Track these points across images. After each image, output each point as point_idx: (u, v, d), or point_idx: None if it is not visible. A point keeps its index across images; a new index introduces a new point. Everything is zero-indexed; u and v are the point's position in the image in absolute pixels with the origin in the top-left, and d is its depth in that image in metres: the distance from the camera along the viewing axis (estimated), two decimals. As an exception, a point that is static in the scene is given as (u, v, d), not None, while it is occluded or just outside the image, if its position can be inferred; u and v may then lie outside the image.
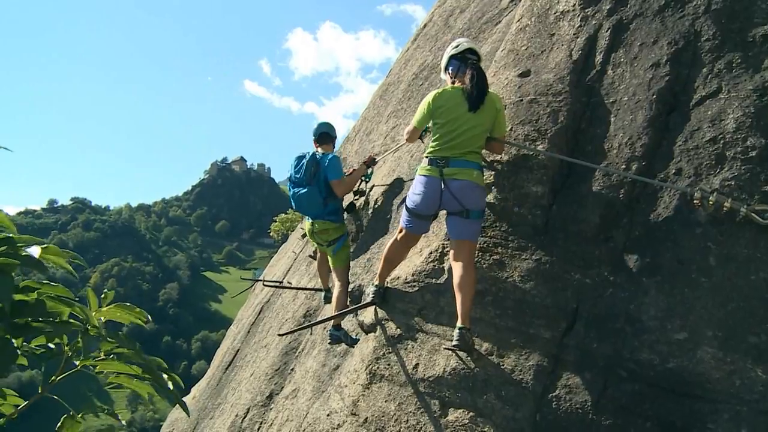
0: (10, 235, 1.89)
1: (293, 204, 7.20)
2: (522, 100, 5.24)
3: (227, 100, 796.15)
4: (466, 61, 5.15)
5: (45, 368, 2.03)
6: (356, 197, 8.13)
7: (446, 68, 5.34)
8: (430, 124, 5.14)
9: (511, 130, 5.14)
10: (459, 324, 4.49)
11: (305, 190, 6.93)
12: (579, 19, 5.40)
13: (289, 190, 7.15)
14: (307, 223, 7.33)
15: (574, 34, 5.37)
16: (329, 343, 6.56)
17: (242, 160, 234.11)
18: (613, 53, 5.14)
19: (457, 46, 5.28)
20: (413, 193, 5.04)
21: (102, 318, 2.10)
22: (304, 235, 10.29)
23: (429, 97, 5.10)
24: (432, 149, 4.99)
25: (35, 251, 1.90)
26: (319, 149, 7.31)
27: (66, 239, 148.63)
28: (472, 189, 4.81)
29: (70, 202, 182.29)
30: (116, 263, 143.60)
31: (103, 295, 2.17)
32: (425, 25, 11.42)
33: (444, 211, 5.03)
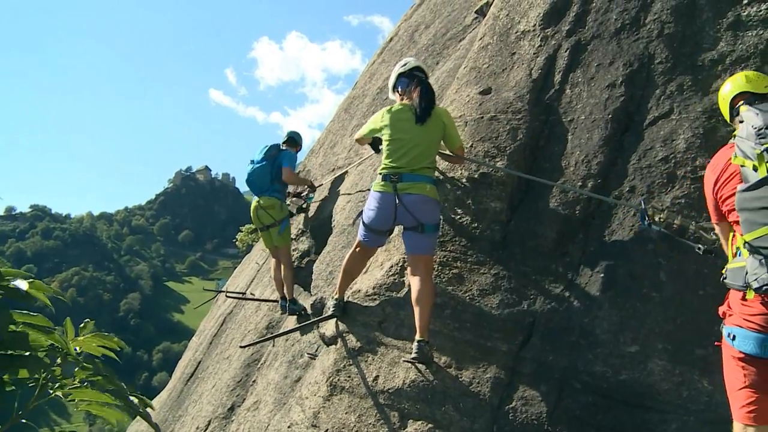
0: None
1: (246, 179, 8.27)
2: (483, 117, 5.36)
3: (192, 109, 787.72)
4: (414, 78, 5.28)
5: (19, 395, 2.04)
6: (297, 213, 9.08)
7: (395, 87, 5.45)
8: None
9: (471, 146, 5.25)
10: (418, 337, 4.56)
11: (261, 164, 8.08)
12: (539, 39, 5.54)
13: (248, 167, 8.27)
14: (254, 203, 8.16)
15: (534, 54, 5.50)
16: (288, 314, 7.14)
17: (207, 169, 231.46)
18: (571, 73, 5.28)
19: (404, 65, 5.40)
20: (368, 209, 5.12)
21: (78, 348, 2.14)
22: (253, 231, 10.93)
23: (379, 113, 5.29)
24: (384, 165, 5.08)
25: (23, 285, 1.94)
26: (284, 147, 8.48)
27: (24, 248, 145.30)
28: (425, 203, 4.87)
29: (29, 210, 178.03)
30: (76, 272, 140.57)
31: (82, 325, 2.21)
32: (391, 39, 11.55)
33: (401, 226, 5.11)
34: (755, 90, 3.64)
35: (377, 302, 5.15)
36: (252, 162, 8.22)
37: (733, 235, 3.43)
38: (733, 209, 3.28)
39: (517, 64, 5.56)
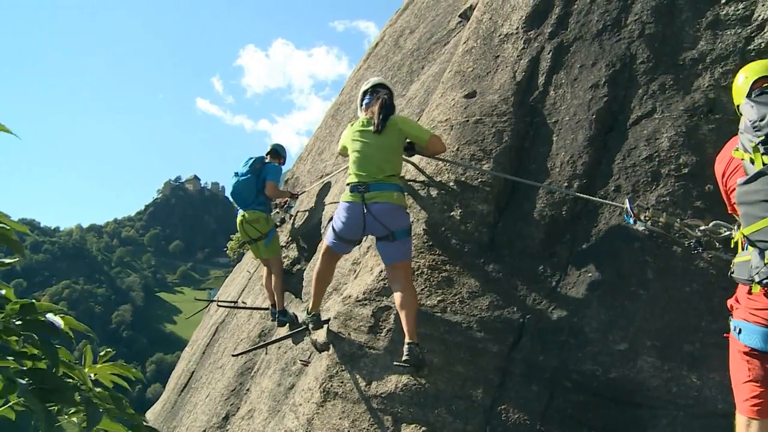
0: (33, 300, 1.97)
1: (231, 191, 8.29)
2: (468, 120, 5.39)
3: (179, 118, 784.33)
4: (375, 93, 5.52)
5: (35, 422, 2.07)
6: (279, 225, 9.26)
7: (361, 104, 5.68)
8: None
9: (457, 150, 5.28)
10: (407, 340, 4.60)
11: (245, 177, 8.10)
12: (522, 41, 5.58)
13: (232, 180, 8.25)
14: (239, 217, 8.21)
15: (517, 56, 5.54)
16: (277, 325, 7.34)
17: (196, 178, 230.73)
18: (554, 75, 5.32)
19: (368, 83, 5.69)
20: (338, 218, 5.25)
21: (93, 375, 2.17)
22: (242, 244, 11.16)
23: (346, 128, 5.56)
24: (351, 176, 5.24)
25: (59, 322, 1.99)
26: (268, 159, 8.57)
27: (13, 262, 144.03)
28: (393, 210, 5.01)
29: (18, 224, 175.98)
30: (67, 285, 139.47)
31: (102, 353, 2.24)
32: (377, 45, 11.59)
33: (373, 237, 5.25)
34: None
35: (368, 307, 5.17)
36: (236, 174, 8.26)
37: (739, 228, 3.38)
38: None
39: (501, 67, 5.59)
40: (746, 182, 3.06)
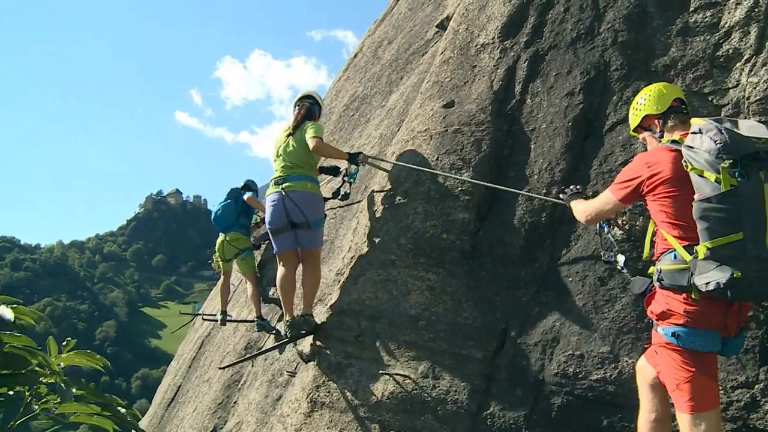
0: None
1: (213, 218, 8.93)
2: (447, 130, 5.46)
3: (159, 133, 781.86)
4: (301, 102, 6.44)
5: (4, 414, 2.08)
6: (257, 248, 9.60)
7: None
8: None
9: (437, 159, 5.34)
10: (304, 312, 5.50)
11: (226, 203, 8.77)
12: (498, 51, 5.66)
13: (213, 211, 8.99)
14: (219, 240, 8.83)
15: (494, 66, 5.62)
16: (257, 331, 7.83)
17: (178, 192, 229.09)
18: (531, 83, 5.40)
19: (299, 93, 6.64)
20: (266, 213, 6.05)
21: (61, 364, 2.20)
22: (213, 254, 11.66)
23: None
24: (275, 172, 6.08)
25: (8, 313, 2.01)
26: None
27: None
28: (309, 198, 5.90)
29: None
30: (49, 303, 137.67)
31: (64, 343, 2.28)
32: (355, 56, 11.65)
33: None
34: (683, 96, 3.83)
35: (352, 317, 5.21)
36: (215, 210, 8.89)
37: (656, 235, 3.58)
38: (668, 210, 3.39)
39: (478, 77, 5.67)
40: (710, 200, 3.12)
